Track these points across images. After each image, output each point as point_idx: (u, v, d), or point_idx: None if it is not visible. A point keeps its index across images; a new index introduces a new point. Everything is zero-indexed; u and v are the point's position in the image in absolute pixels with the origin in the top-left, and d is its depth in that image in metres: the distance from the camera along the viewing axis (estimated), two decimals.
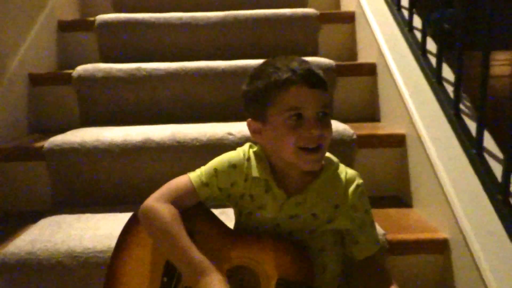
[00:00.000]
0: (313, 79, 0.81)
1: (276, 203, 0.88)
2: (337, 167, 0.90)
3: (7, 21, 1.47)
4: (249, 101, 0.87)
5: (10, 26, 1.49)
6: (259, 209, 0.89)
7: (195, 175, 0.90)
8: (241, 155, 0.90)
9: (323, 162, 0.88)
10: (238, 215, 0.93)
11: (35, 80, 1.58)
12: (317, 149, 0.82)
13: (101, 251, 1.04)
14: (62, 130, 1.43)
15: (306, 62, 0.84)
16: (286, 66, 0.82)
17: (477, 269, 0.93)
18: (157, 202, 0.86)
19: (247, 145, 0.93)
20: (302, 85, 0.80)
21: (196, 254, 0.81)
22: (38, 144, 1.32)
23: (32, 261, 1.03)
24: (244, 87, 0.88)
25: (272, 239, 0.85)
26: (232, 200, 0.92)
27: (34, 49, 1.64)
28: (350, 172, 0.91)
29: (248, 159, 0.89)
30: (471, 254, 0.96)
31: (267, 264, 0.83)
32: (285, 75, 0.80)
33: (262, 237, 0.86)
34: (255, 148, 0.91)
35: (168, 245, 0.83)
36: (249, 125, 0.88)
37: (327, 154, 0.91)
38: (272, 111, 0.82)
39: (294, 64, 0.82)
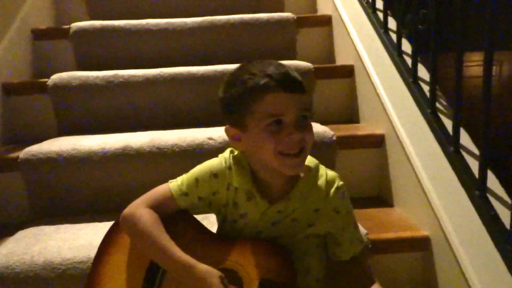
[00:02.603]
0: (290, 84, 0.79)
1: (257, 211, 0.87)
2: (317, 170, 0.89)
3: None
4: (226, 108, 0.84)
5: None
6: (241, 217, 0.88)
7: (176, 185, 0.89)
8: (223, 163, 0.89)
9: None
10: (221, 223, 0.92)
11: (8, 89, 1.54)
12: (299, 154, 0.80)
13: (80, 262, 1.02)
14: (39, 140, 1.40)
15: (283, 65, 0.81)
16: (262, 72, 0.79)
17: (458, 264, 0.95)
18: (138, 208, 0.86)
19: (227, 151, 0.91)
20: (279, 90, 0.78)
21: (177, 252, 0.81)
22: (13, 155, 1.28)
23: (9, 275, 1.00)
24: (220, 94, 0.85)
25: (254, 242, 0.85)
26: (214, 208, 0.91)
27: (7, 58, 1.60)
28: (330, 174, 0.90)
29: (230, 167, 0.88)
30: (452, 250, 0.97)
31: (250, 267, 0.82)
32: (262, 81, 0.78)
33: (244, 240, 0.86)
34: (236, 153, 0.89)
35: (150, 246, 0.83)
36: (227, 132, 0.86)
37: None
38: (251, 118, 0.80)
39: (271, 69, 0.79)
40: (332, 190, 0.88)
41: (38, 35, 1.82)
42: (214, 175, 0.88)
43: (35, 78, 1.78)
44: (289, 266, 0.82)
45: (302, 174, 0.88)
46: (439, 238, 1.03)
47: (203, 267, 0.80)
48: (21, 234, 1.16)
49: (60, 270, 1.01)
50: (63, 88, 1.53)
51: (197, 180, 0.88)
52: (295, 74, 0.81)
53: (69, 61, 1.82)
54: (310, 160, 0.90)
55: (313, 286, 0.88)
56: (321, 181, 0.88)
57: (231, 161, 0.88)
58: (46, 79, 1.54)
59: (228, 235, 0.90)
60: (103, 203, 1.30)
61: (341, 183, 0.89)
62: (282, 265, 0.82)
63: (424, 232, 1.09)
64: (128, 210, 0.86)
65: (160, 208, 0.87)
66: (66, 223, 1.22)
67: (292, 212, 0.87)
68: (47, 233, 1.15)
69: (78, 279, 1.00)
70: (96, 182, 1.29)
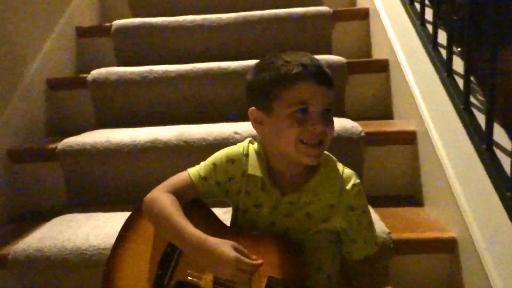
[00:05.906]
0: (322, 76, 0.81)
1: (269, 201, 0.87)
2: (334, 166, 0.89)
3: (25, 27, 1.54)
4: (254, 92, 0.86)
5: (29, 33, 1.56)
6: (255, 207, 0.89)
7: (195, 170, 0.92)
8: (240, 150, 0.91)
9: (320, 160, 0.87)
10: (235, 212, 0.94)
11: (53, 84, 1.64)
12: (318, 145, 0.81)
13: (105, 248, 1.07)
14: (80, 132, 1.48)
15: (316, 59, 0.84)
16: (297, 61, 0.81)
17: (483, 269, 0.89)
18: (158, 192, 0.90)
19: (247, 140, 0.94)
20: (312, 80, 0.80)
21: (190, 228, 0.82)
22: (53, 146, 1.36)
23: (40, 258, 1.07)
24: (249, 77, 0.87)
25: (265, 237, 0.85)
26: (230, 196, 0.93)
27: (53, 55, 1.70)
28: (347, 171, 0.89)
29: (247, 155, 0.90)
30: (477, 254, 0.91)
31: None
32: (296, 70, 0.80)
33: (255, 235, 0.86)
34: (255, 144, 0.92)
35: (166, 226, 0.85)
36: (251, 114, 0.87)
37: (325, 153, 0.89)
38: (279, 103, 0.82)
39: (305, 60, 0.82)
40: (348, 186, 0.86)
41: (82, 32, 1.92)
42: (231, 160, 0.90)
43: (78, 74, 1.88)
44: (300, 266, 0.81)
45: (318, 168, 0.87)
46: (467, 241, 0.98)
47: (213, 239, 0.81)
48: (56, 221, 1.24)
49: (87, 256, 1.07)
50: (102, 83, 1.60)
51: (214, 165, 0.91)
52: (326, 69, 0.83)
53: (111, 57, 1.90)
54: (328, 157, 0.90)
55: (324, 283, 0.87)
56: (337, 177, 0.87)
57: (249, 149, 0.91)
58: (86, 75, 1.62)
59: (242, 226, 0.90)
60: (134, 193, 1.35)
61: (357, 180, 0.88)
62: (293, 264, 0.81)
63: (451, 234, 1.04)
64: (149, 195, 0.91)
65: (179, 193, 0.90)
66: (98, 212, 1.28)
67: (305, 206, 0.86)
68: (79, 220, 1.22)
69: (102, 264, 1.04)
70: (127, 173, 1.34)
